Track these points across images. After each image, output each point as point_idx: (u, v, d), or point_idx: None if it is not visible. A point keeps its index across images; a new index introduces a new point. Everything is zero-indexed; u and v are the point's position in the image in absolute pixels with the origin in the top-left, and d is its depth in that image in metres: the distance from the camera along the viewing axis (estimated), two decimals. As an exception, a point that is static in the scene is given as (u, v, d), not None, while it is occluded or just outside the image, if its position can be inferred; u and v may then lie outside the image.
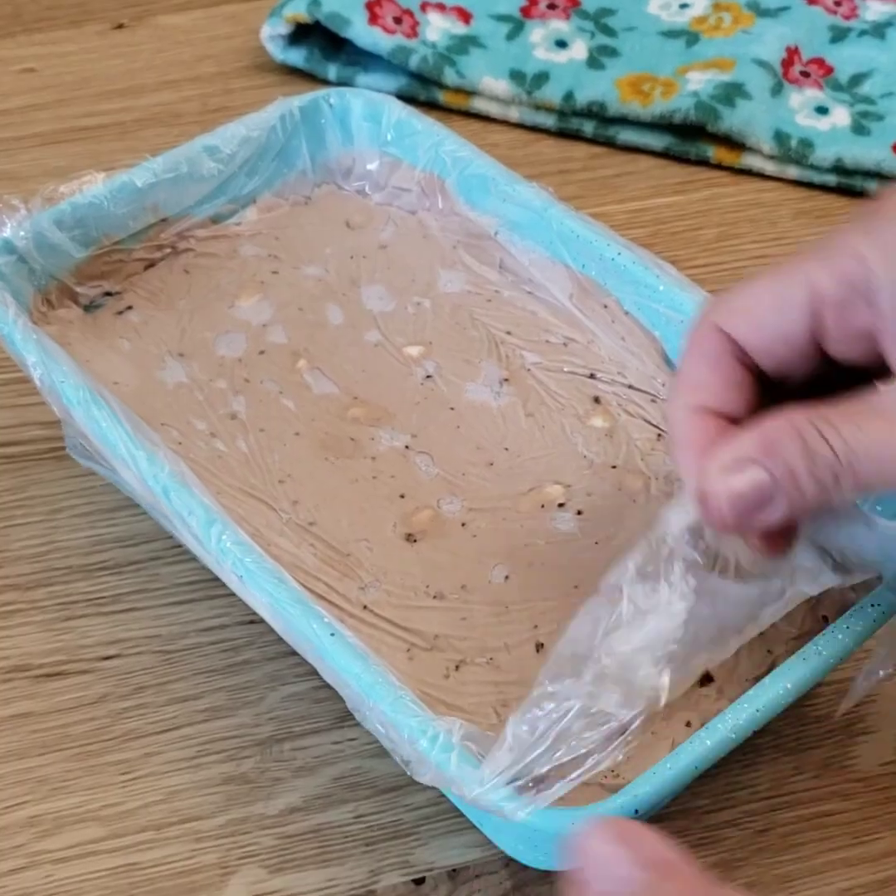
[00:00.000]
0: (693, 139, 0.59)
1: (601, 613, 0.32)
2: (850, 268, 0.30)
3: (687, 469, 0.32)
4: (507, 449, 0.43)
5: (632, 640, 0.31)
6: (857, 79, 0.62)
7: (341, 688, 0.35)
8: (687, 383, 0.33)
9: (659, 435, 0.44)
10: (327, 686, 0.40)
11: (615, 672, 0.31)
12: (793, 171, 0.59)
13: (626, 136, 0.60)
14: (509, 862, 0.37)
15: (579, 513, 0.42)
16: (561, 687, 0.31)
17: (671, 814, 0.39)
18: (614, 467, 0.43)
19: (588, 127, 0.60)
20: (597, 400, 0.44)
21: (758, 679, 0.35)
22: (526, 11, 0.64)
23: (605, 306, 0.46)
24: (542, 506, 0.42)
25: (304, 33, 0.63)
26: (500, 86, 0.61)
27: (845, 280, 0.30)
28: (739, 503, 0.30)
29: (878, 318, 0.30)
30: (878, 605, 0.36)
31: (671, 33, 0.63)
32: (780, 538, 0.33)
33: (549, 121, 0.61)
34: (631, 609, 0.32)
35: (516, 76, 0.61)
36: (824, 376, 0.32)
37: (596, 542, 0.41)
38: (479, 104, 0.62)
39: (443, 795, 0.39)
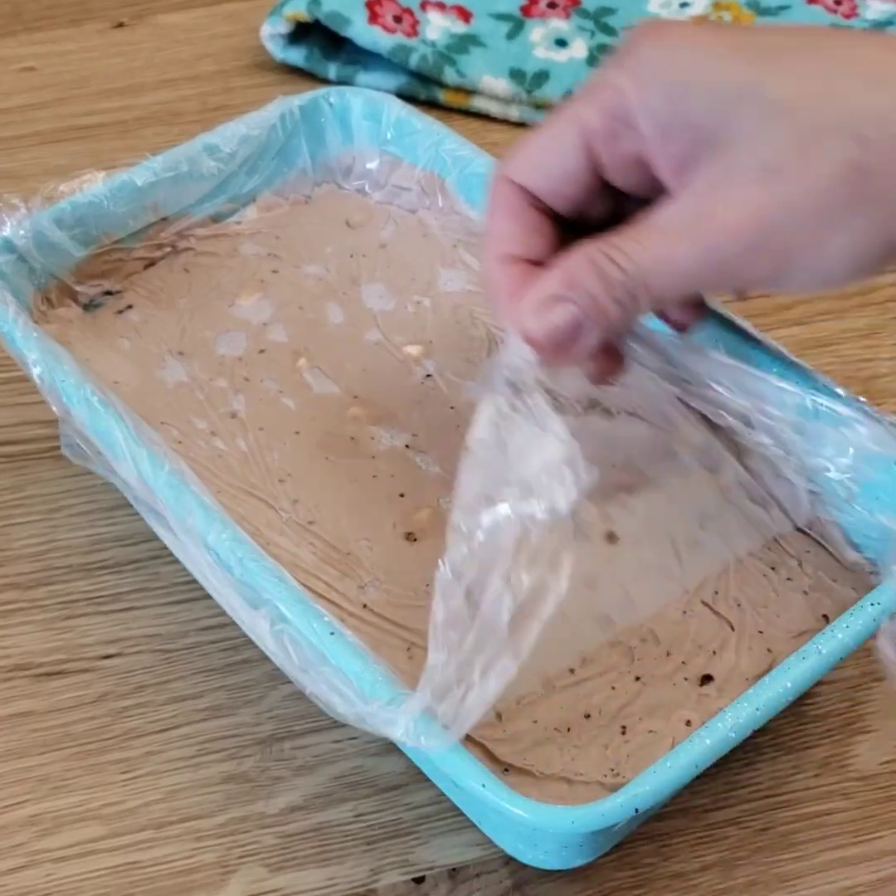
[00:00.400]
0: (693, 138, 0.59)
1: (487, 460, 0.32)
2: (609, 100, 0.32)
3: (506, 315, 0.34)
4: (507, 448, 0.43)
5: (533, 464, 0.32)
6: (857, 77, 0.62)
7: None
8: (492, 237, 0.35)
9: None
10: (327, 685, 0.41)
11: (535, 484, 0.32)
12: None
13: (627, 134, 0.60)
14: (509, 860, 0.37)
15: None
16: (484, 511, 0.31)
17: (671, 812, 0.39)
18: (614, 466, 0.43)
19: (588, 126, 0.60)
20: (598, 399, 0.44)
21: (758, 678, 0.35)
22: (526, 10, 0.64)
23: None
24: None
25: (303, 32, 0.63)
26: (500, 84, 0.61)
27: (607, 112, 0.32)
28: (555, 336, 0.32)
29: (642, 140, 0.32)
30: (878, 603, 0.36)
31: (671, 32, 0.63)
32: (609, 362, 0.35)
33: (549, 120, 0.61)
34: (516, 446, 0.32)
35: (516, 75, 0.61)
36: (623, 209, 0.34)
37: (596, 541, 0.41)
38: (478, 103, 0.62)
39: (443, 794, 0.39)
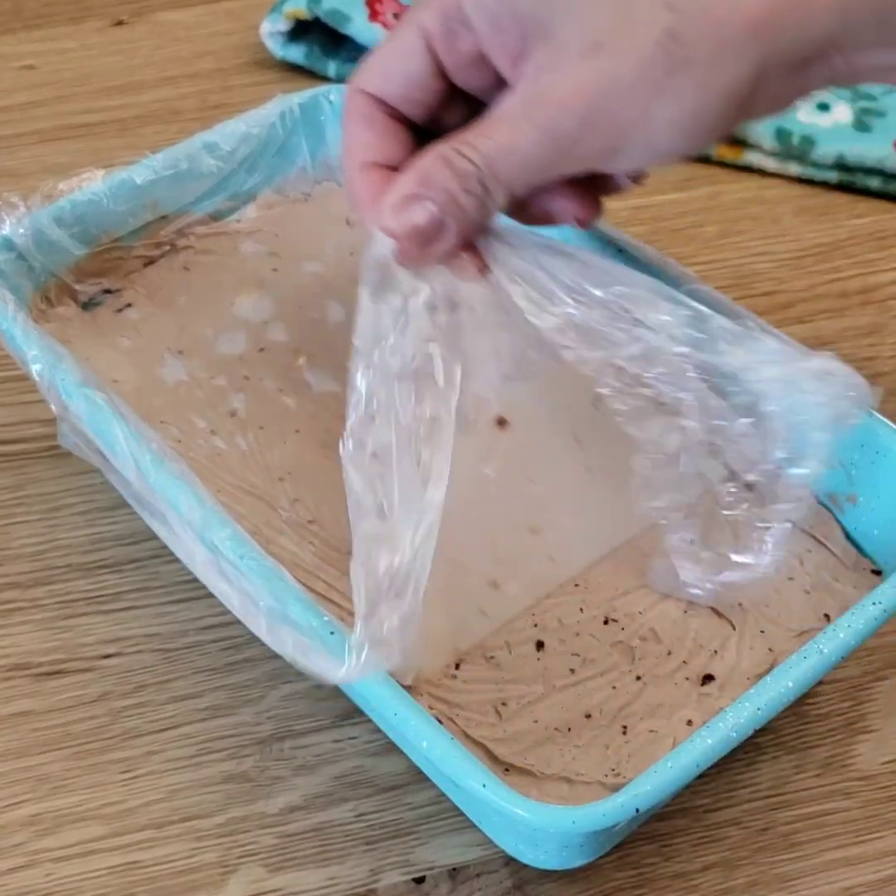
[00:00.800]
0: (694, 136, 0.59)
1: (370, 349, 0.34)
2: (445, 2, 0.34)
3: (369, 218, 0.35)
4: (507, 446, 0.43)
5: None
6: (858, 75, 0.62)
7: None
8: (350, 146, 0.36)
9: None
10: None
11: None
12: (794, 168, 0.59)
13: (627, 132, 0.60)
14: (509, 861, 0.37)
15: (580, 511, 0.42)
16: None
17: (672, 812, 0.39)
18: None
19: (589, 123, 0.60)
20: (598, 398, 0.44)
21: (759, 677, 0.35)
22: (526, 8, 0.64)
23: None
24: (543, 504, 0.42)
25: (303, 30, 0.63)
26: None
27: (444, 14, 0.34)
28: (416, 235, 0.33)
29: (478, 37, 0.34)
30: (880, 603, 0.36)
31: (672, 29, 0.63)
32: (474, 258, 0.36)
33: (549, 117, 0.61)
34: (392, 326, 0.34)
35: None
36: (479, 115, 0.35)
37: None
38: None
39: (444, 794, 0.38)
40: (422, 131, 0.36)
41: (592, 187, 0.36)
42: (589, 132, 0.32)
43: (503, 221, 0.36)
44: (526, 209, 0.36)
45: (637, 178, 0.36)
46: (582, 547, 0.39)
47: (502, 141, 0.33)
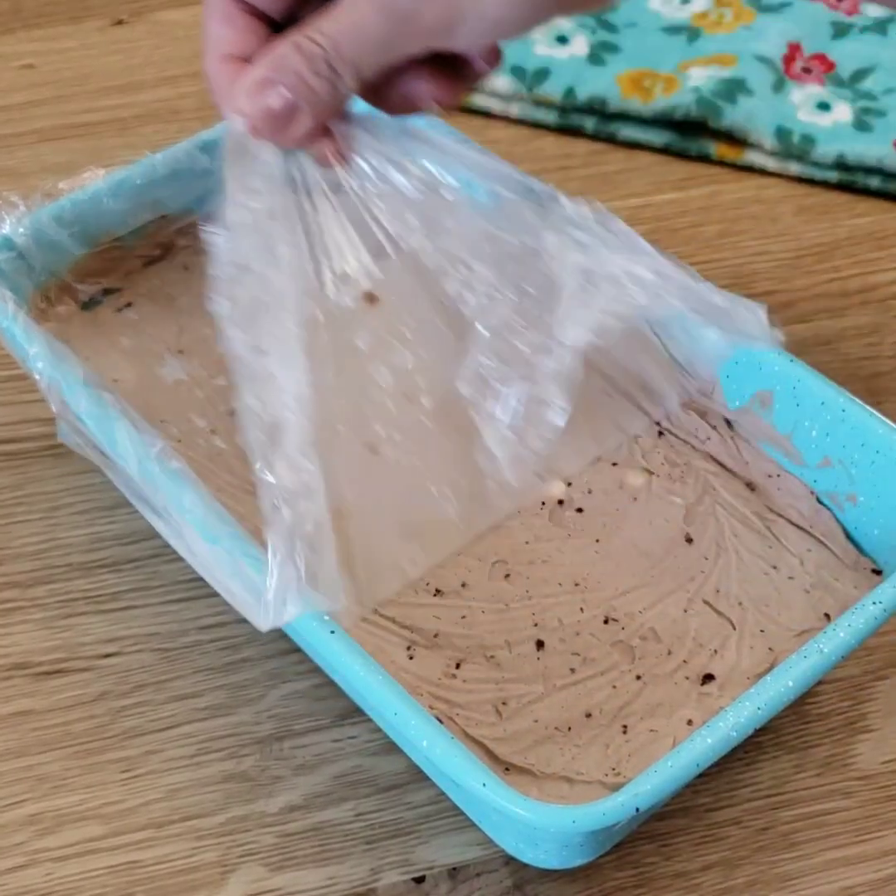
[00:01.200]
0: (694, 135, 0.59)
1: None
2: None
3: (225, 104, 0.36)
4: (507, 446, 0.43)
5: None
6: (858, 75, 0.62)
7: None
8: (209, 43, 0.37)
9: (660, 432, 0.44)
10: (328, 684, 0.41)
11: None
12: (794, 168, 0.59)
13: (627, 132, 0.60)
14: (509, 860, 0.37)
15: (579, 511, 0.42)
16: None
17: (672, 811, 0.39)
18: (615, 464, 0.43)
19: (589, 123, 0.60)
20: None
21: (759, 677, 0.35)
22: (526, 7, 0.64)
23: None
24: (543, 503, 0.42)
25: (304, 29, 0.63)
26: (500, 82, 0.61)
27: None
28: (271, 118, 0.35)
29: None
30: (880, 602, 0.36)
31: (672, 29, 0.63)
32: (332, 144, 0.37)
33: (549, 117, 0.61)
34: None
35: (517, 72, 0.61)
36: None
37: (597, 540, 0.41)
38: (479, 100, 0.61)
39: (444, 794, 0.38)
40: (281, 28, 0.37)
41: (452, 73, 0.37)
42: (425, 6, 0.34)
43: (365, 109, 0.37)
44: (386, 95, 0.37)
45: (490, 58, 0.37)
46: (455, 407, 0.38)
47: (345, 22, 0.34)
